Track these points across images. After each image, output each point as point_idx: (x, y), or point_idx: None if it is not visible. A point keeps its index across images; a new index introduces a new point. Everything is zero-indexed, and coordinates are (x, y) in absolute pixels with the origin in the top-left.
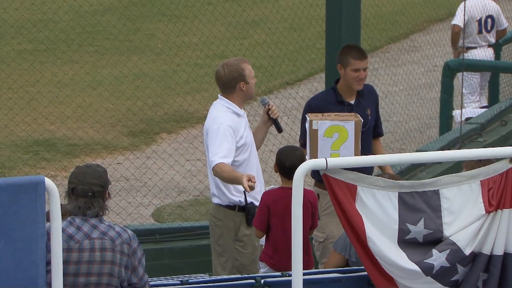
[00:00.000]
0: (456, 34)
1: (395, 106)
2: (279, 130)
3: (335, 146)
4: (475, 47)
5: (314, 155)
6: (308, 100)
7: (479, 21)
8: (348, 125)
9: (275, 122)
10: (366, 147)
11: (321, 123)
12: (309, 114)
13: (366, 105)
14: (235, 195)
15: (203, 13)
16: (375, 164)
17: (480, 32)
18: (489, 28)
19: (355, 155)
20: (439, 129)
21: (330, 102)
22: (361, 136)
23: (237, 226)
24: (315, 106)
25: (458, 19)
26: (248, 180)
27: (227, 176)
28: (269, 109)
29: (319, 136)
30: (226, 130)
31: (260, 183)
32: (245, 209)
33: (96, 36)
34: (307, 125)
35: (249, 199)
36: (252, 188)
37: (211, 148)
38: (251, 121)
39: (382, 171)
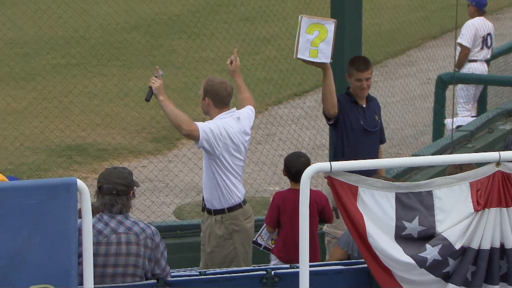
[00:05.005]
0: (465, 56)
1: (392, 115)
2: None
3: (314, 43)
4: (476, 61)
5: (296, 48)
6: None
7: (483, 37)
8: (328, 25)
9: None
10: (374, 149)
11: (306, 20)
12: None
13: (375, 111)
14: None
15: (219, 31)
16: (374, 168)
17: (482, 48)
18: (489, 44)
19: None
20: (432, 136)
21: (348, 101)
22: (370, 138)
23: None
24: (339, 100)
25: (467, 40)
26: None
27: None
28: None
29: (301, 33)
30: (222, 124)
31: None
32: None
33: (123, 51)
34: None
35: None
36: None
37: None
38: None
39: (377, 174)
